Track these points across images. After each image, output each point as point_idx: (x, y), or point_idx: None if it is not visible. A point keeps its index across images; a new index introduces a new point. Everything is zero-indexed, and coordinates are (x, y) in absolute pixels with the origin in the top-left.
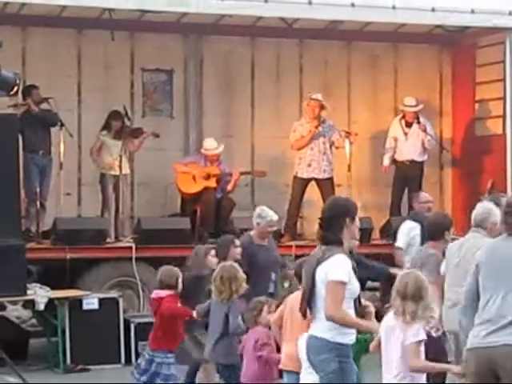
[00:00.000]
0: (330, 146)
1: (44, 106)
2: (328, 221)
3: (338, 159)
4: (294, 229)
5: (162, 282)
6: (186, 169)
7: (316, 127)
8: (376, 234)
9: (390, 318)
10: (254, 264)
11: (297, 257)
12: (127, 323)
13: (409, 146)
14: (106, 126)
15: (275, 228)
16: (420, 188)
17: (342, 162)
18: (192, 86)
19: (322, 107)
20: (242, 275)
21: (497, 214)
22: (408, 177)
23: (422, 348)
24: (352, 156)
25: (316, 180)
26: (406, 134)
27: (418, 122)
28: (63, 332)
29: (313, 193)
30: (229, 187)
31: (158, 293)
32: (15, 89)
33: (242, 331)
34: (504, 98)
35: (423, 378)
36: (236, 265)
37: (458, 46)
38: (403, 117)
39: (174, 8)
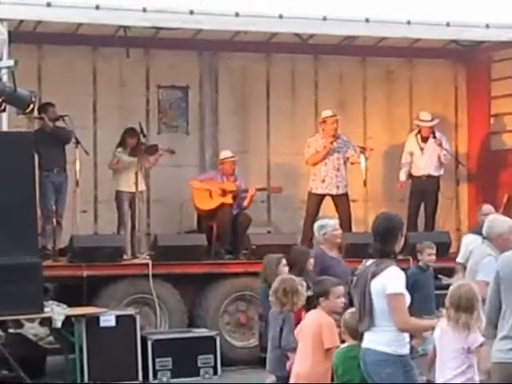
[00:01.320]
0: (345, 162)
1: (60, 123)
2: (383, 234)
3: (354, 174)
4: (310, 244)
5: None
6: (201, 185)
7: (331, 143)
8: None
9: (443, 327)
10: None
11: None
12: (144, 340)
13: (425, 160)
14: (122, 143)
15: (340, 231)
16: (436, 203)
17: (357, 178)
18: (207, 103)
19: (337, 122)
20: (302, 289)
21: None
22: (424, 192)
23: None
24: (367, 171)
25: (331, 196)
26: (422, 148)
27: (434, 137)
28: (80, 349)
29: (328, 208)
30: (245, 203)
31: None
32: (31, 107)
33: (293, 348)
34: None
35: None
36: (296, 278)
37: (472, 60)
38: (419, 132)
39: (188, 25)
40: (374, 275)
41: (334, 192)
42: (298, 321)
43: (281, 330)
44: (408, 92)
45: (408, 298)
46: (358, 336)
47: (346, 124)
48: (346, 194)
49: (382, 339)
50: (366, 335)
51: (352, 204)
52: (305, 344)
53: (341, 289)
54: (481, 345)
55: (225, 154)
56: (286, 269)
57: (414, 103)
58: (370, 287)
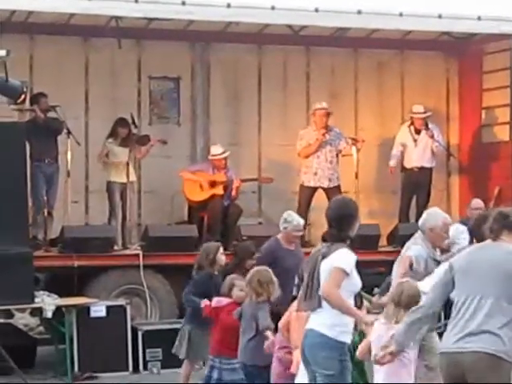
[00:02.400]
0: (337, 155)
1: (51, 114)
2: (338, 220)
3: (345, 166)
4: (302, 236)
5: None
6: (192, 176)
7: (323, 135)
8: (383, 241)
9: (380, 324)
10: (281, 267)
11: None
12: (135, 331)
13: (418, 152)
14: (113, 134)
15: (301, 233)
16: (429, 195)
17: (348, 169)
18: (199, 94)
19: (329, 115)
20: (275, 279)
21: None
22: (417, 183)
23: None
24: (359, 163)
25: (323, 189)
26: (415, 140)
27: (427, 128)
28: (71, 340)
29: (320, 199)
30: (233, 194)
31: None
32: (22, 97)
33: (272, 328)
34: (510, 105)
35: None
36: (270, 270)
37: (464, 52)
38: (412, 123)
39: (180, 16)
40: (324, 256)
41: (326, 185)
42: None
43: (255, 317)
44: (400, 84)
45: (355, 282)
46: None
47: (337, 116)
48: (338, 187)
49: (326, 321)
50: (312, 316)
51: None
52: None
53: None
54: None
55: (215, 150)
56: (223, 258)
57: (405, 95)
58: (319, 267)
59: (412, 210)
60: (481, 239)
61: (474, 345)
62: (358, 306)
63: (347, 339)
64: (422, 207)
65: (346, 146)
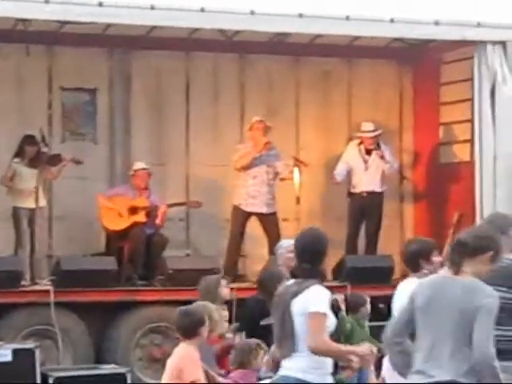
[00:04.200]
0: (274, 178)
1: None
2: (312, 254)
3: (285, 190)
4: (235, 269)
5: None
6: (110, 204)
7: (263, 148)
8: (328, 275)
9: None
10: None
11: (239, 301)
12: (45, 377)
13: (369, 175)
14: (20, 153)
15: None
16: (379, 222)
17: (288, 193)
18: (118, 107)
19: (268, 129)
20: (217, 315)
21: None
22: (366, 210)
23: None
24: (301, 186)
25: (258, 215)
26: (365, 162)
27: (377, 149)
28: None
29: (255, 228)
30: (157, 221)
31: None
32: None
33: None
34: (472, 121)
35: None
36: (210, 304)
37: (420, 61)
38: (361, 143)
39: (97, 18)
40: (295, 294)
41: (263, 211)
42: (222, 351)
43: None
44: (347, 96)
45: (332, 321)
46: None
47: (276, 132)
48: (274, 214)
49: (302, 365)
50: (285, 362)
51: (282, 223)
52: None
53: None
54: None
55: (138, 165)
56: (227, 291)
57: (353, 109)
58: (290, 308)
59: (361, 239)
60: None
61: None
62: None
63: (327, 380)
64: (371, 236)
65: (285, 169)
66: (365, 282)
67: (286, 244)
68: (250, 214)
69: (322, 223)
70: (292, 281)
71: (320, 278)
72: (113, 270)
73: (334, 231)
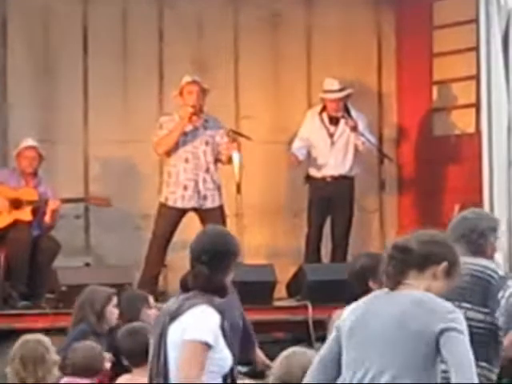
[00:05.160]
0: (216, 160)
1: None
2: (213, 254)
3: (222, 174)
4: (155, 284)
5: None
6: None
7: (190, 118)
8: (281, 291)
9: None
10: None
11: None
12: None
13: (336, 153)
14: None
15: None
16: (350, 218)
17: (226, 180)
18: None
19: (204, 92)
20: (53, 357)
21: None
22: (332, 201)
23: None
24: (243, 170)
25: (197, 211)
26: (331, 135)
27: (346, 116)
28: None
29: (183, 230)
30: (46, 220)
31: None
32: None
33: None
34: (477, 78)
35: None
36: (46, 340)
37: None
38: (323, 109)
39: None
40: (173, 317)
41: (200, 205)
42: None
43: None
44: (305, 47)
45: (226, 358)
46: None
47: (209, 96)
48: (220, 207)
49: None
50: None
51: None
52: None
53: None
54: None
55: (25, 141)
56: (116, 312)
57: (313, 64)
58: (166, 335)
59: (325, 241)
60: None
61: None
62: None
63: None
64: (339, 237)
65: (227, 141)
66: (331, 301)
67: None
68: (183, 212)
69: (271, 220)
70: (181, 296)
71: (221, 291)
72: None
73: (289, 231)
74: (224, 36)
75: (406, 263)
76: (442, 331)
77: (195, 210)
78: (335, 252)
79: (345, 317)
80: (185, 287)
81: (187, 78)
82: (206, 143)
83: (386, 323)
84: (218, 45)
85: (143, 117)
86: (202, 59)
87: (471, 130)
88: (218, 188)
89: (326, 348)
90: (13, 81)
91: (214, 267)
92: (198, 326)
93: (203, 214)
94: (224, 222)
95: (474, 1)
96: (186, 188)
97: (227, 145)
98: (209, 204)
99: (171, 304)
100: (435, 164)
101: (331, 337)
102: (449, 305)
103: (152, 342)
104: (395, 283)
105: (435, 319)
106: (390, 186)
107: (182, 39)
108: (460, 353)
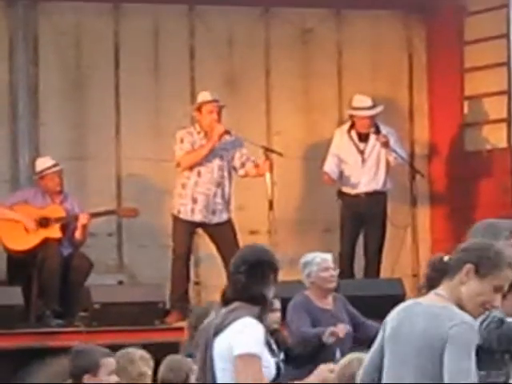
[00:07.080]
0: (230, 174)
1: None
2: (252, 267)
3: (254, 191)
4: (185, 301)
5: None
6: (12, 214)
7: (221, 135)
8: None
9: None
10: None
11: None
12: None
13: (368, 170)
14: None
15: (334, 272)
16: (384, 233)
17: (259, 196)
18: (22, 81)
19: (221, 110)
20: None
21: None
22: (365, 217)
23: None
24: (275, 187)
25: (205, 226)
26: (361, 152)
27: (378, 132)
28: None
29: (207, 244)
30: (77, 236)
31: None
32: None
33: None
34: (508, 92)
35: None
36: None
37: (436, 11)
38: (352, 125)
39: None
40: (217, 331)
41: (209, 220)
42: None
43: None
44: (335, 63)
45: (268, 364)
46: None
47: (236, 111)
48: (229, 222)
49: None
50: None
51: (251, 237)
52: None
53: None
54: None
55: (43, 162)
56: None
57: (344, 79)
58: (212, 349)
59: (358, 257)
60: None
61: None
62: None
63: None
64: (372, 253)
65: (251, 162)
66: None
67: (319, 259)
68: (196, 225)
69: (303, 236)
70: (219, 309)
71: (259, 302)
72: (18, 305)
73: (321, 247)
74: (255, 52)
75: (440, 272)
76: (444, 338)
77: (202, 225)
78: (368, 268)
79: (387, 320)
80: (224, 299)
81: (207, 96)
82: (221, 158)
83: (416, 331)
84: (249, 61)
85: (171, 134)
86: (233, 76)
87: (503, 144)
88: (228, 202)
89: (376, 343)
90: (44, 98)
91: (251, 276)
92: (244, 340)
93: (211, 230)
94: (235, 237)
95: (504, 16)
96: (195, 201)
97: (262, 164)
98: (216, 219)
99: (214, 318)
100: (467, 179)
101: (379, 335)
102: (457, 316)
103: (198, 356)
104: (427, 291)
105: (444, 326)
106: (421, 202)
107: (213, 55)
108: (451, 365)
